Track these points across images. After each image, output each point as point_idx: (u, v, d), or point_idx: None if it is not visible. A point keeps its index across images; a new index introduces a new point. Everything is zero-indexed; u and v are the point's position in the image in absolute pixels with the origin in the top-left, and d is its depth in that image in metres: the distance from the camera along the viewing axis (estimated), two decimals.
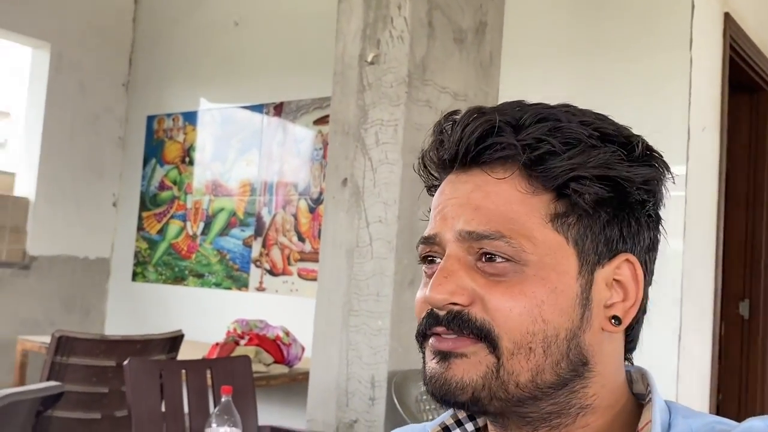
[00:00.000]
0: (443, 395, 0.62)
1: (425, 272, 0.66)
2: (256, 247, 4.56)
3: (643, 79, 3.02)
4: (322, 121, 4.28)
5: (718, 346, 3.27)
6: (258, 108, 4.71)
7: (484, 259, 0.61)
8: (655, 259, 0.67)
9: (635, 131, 0.66)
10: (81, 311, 5.35)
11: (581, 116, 0.63)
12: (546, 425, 0.63)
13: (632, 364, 0.69)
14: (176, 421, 2.36)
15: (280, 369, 3.53)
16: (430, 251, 0.65)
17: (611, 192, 0.61)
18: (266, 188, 4.58)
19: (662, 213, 0.68)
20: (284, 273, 4.39)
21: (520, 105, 0.64)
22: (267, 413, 3.85)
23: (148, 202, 5.27)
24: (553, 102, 0.66)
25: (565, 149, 0.60)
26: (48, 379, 2.56)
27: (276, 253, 4.45)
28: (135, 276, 5.27)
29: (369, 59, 2.91)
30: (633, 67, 3.04)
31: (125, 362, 2.32)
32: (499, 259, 0.60)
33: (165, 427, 2.36)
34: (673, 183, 0.66)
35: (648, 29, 3.05)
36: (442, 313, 0.62)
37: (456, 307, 0.61)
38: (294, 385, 3.67)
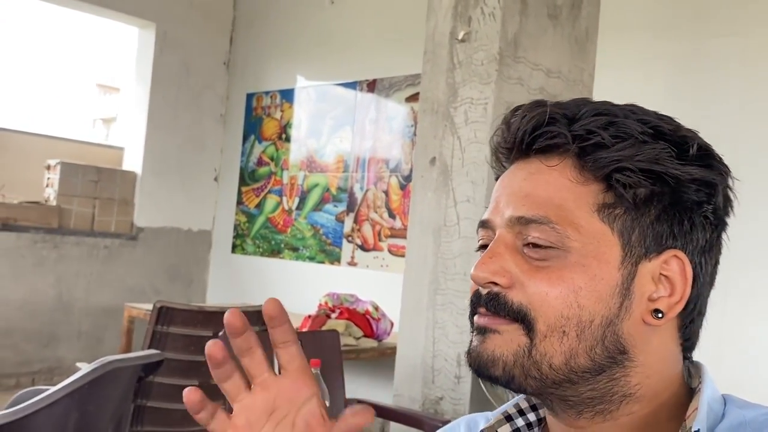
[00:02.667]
0: (477, 367, 0.65)
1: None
2: (348, 223, 4.64)
3: (752, 54, 2.86)
4: (415, 98, 4.29)
5: None
6: (351, 85, 4.76)
7: (531, 247, 0.63)
8: (715, 263, 0.67)
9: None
10: (184, 281, 5.61)
11: (641, 115, 0.64)
12: (590, 410, 0.65)
13: (691, 362, 0.69)
14: None
15: (369, 343, 3.60)
16: (484, 237, 0.68)
17: (659, 187, 0.62)
18: (358, 164, 4.64)
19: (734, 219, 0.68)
20: (375, 248, 4.45)
21: (583, 102, 0.65)
22: (356, 386, 3.93)
23: (246, 177, 5.44)
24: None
25: (614, 141, 0.62)
26: (149, 347, 2.71)
27: (367, 229, 4.52)
28: (234, 248, 5.47)
29: (460, 37, 2.88)
30: (740, 42, 2.89)
31: (220, 333, 2.42)
32: (543, 244, 0.62)
33: None
34: (732, 188, 0.66)
35: None
36: (484, 291, 0.64)
37: (495, 288, 0.64)
38: (383, 359, 3.74)
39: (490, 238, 0.67)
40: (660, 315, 0.63)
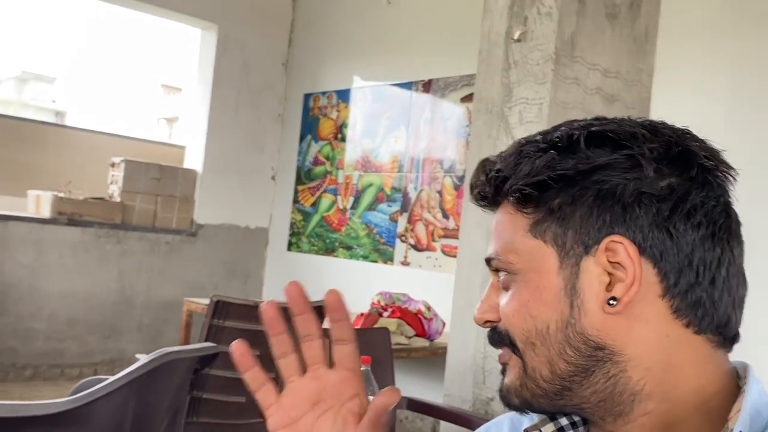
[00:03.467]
0: (505, 403, 0.71)
1: None
2: (402, 223, 4.66)
3: None
4: (470, 98, 4.28)
5: None
6: (407, 85, 4.77)
7: (498, 279, 0.71)
8: (698, 226, 0.64)
9: None
10: (241, 277, 5.72)
11: (553, 134, 0.68)
12: (609, 415, 0.66)
13: (727, 341, 0.67)
14: None
15: (421, 342, 3.61)
16: None
17: (572, 189, 0.65)
18: (413, 165, 4.65)
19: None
20: (428, 248, 4.46)
21: (517, 143, 0.71)
22: (408, 385, 3.95)
23: (303, 176, 5.52)
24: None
25: (513, 170, 0.68)
26: (206, 340, 2.77)
27: (420, 229, 4.53)
28: (290, 246, 5.55)
29: (515, 37, 2.87)
30: None
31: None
32: (500, 275, 0.70)
33: None
34: (650, 154, 0.65)
35: None
36: (488, 330, 0.72)
37: (492, 324, 0.71)
38: (435, 359, 3.74)
39: None
40: (613, 302, 0.64)
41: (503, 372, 0.71)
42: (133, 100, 22.26)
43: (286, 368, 0.69)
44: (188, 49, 6.64)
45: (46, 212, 4.97)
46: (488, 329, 0.71)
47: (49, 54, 23.40)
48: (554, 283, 0.66)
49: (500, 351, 0.71)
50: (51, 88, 23.89)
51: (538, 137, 0.69)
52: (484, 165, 0.72)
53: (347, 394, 0.68)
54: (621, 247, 0.64)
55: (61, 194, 5.06)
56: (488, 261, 0.71)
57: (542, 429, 0.73)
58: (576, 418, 0.73)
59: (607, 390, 0.65)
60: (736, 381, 0.67)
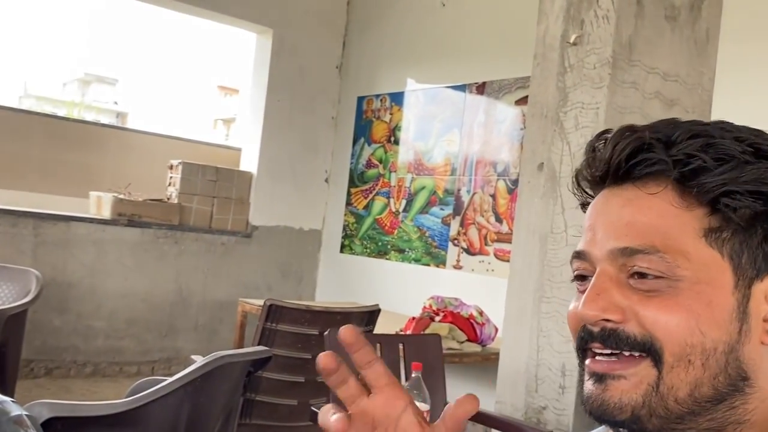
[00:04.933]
0: (601, 415, 0.63)
1: (578, 288, 0.67)
2: (454, 226, 4.64)
3: None
4: (525, 101, 4.23)
5: None
6: (461, 88, 4.75)
7: (636, 277, 0.62)
8: None
9: None
10: (295, 278, 5.77)
11: (736, 132, 0.62)
12: None
13: None
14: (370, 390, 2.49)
15: (472, 347, 3.58)
16: (580, 267, 0.67)
17: (763, 207, 0.60)
18: (466, 167, 4.63)
19: None
20: (481, 252, 4.43)
21: (673, 122, 0.64)
22: (459, 390, 3.92)
23: (356, 178, 5.54)
24: None
25: (717, 165, 0.60)
26: (259, 343, 2.81)
27: (473, 233, 4.50)
28: (343, 248, 5.59)
29: (571, 40, 2.83)
30: None
31: (325, 332, 2.48)
32: (650, 277, 0.61)
33: None
34: None
35: None
36: (596, 329, 0.63)
37: (609, 324, 0.62)
38: (487, 364, 3.71)
39: (587, 270, 0.65)
40: None
41: (601, 380, 0.62)
42: (191, 102, 22.72)
43: (347, 396, 0.63)
44: (245, 50, 6.74)
45: (106, 213, 5.10)
46: (592, 327, 0.63)
47: (111, 56, 24.07)
48: (729, 302, 0.60)
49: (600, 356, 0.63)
50: (113, 89, 24.55)
51: (725, 133, 0.61)
52: (645, 136, 0.62)
53: (397, 409, 0.62)
54: None
55: (121, 196, 5.19)
56: (625, 253, 0.61)
57: None
58: None
59: (722, 419, 0.61)
60: None
